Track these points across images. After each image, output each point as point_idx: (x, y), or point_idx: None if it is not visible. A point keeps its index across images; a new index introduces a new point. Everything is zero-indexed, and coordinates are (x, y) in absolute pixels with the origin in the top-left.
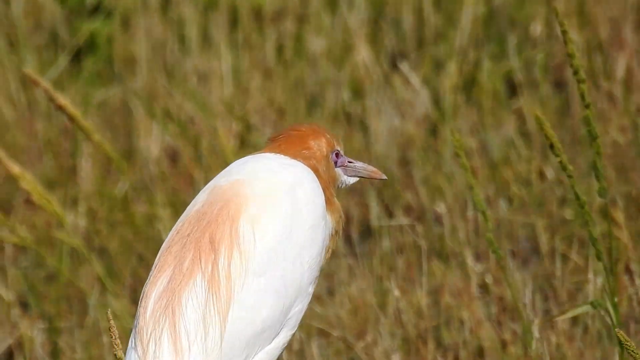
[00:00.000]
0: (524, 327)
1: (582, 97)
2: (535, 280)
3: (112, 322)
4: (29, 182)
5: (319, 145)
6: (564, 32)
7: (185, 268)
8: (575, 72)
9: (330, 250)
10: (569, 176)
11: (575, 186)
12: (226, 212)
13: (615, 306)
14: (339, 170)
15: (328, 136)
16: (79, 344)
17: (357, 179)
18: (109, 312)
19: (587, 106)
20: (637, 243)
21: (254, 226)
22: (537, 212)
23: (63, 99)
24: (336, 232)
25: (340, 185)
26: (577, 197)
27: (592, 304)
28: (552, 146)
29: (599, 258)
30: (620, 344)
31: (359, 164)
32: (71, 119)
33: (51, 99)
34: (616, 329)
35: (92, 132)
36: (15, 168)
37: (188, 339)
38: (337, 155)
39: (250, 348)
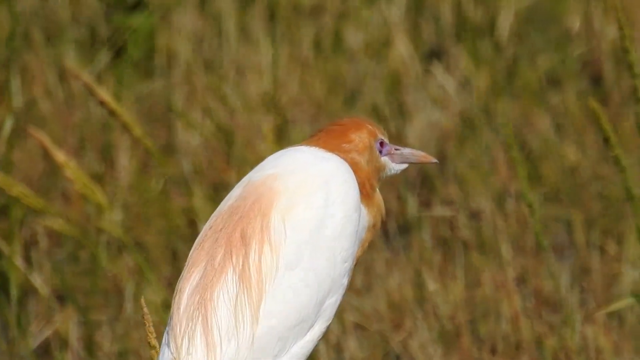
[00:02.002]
0: (562, 319)
1: (636, 92)
2: (572, 272)
3: (145, 309)
4: (73, 170)
5: (361, 137)
6: (621, 28)
7: (217, 263)
8: (630, 67)
9: (366, 243)
10: (622, 170)
11: (628, 180)
12: (258, 206)
13: None
14: (386, 159)
15: (370, 127)
16: (115, 337)
17: (406, 165)
18: (142, 300)
19: (639, 101)
20: None
21: (285, 220)
22: (573, 206)
23: (104, 93)
24: (373, 225)
25: (388, 173)
26: (628, 190)
27: (636, 297)
28: (606, 139)
29: None
30: None
31: (406, 150)
32: (112, 113)
33: (92, 93)
34: None
35: (133, 126)
36: (60, 156)
37: (220, 334)
38: (381, 144)
39: (283, 341)
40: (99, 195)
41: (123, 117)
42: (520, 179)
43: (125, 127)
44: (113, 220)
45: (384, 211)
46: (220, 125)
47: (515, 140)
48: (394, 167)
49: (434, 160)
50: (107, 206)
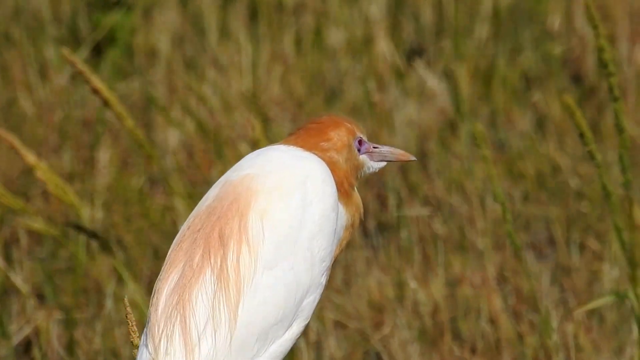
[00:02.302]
0: (541, 318)
1: (611, 90)
2: (552, 271)
3: (129, 309)
4: (44, 171)
5: (339, 135)
6: (595, 26)
7: (196, 264)
8: (605, 66)
9: (344, 242)
10: (597, 166)
11: (603, 176)
12: (236, 207)
13: (638, 297)
14: (364, 157)
15: (348, 125)
16: (95, 336)
17: (385, 163)
18: (126, 299)
19: (615, 99)
20: None
21: (263, 220)
22: (553, 204)
23: (99, 83)
24: (352, 224)
25: (367, 171)
26: (605, 187)
27: (616, 294)
28: (581, 135)
29: (624, 248)
30: None
31: (385, 148)
32: (105, 102)
33: (87, 81)
34: None
35: (126, 117)
36: (30, 158)
37: (198, 335)
38: (360, 142)
39: (262, 341)
40: (71, 196)
41: (116, 106)
42: (491, 180)
43: (118, 118)
44: (92, 219)
45: (362, 210)
46: (200, 124)
47: (493, 139)
48: (373, 165)
49: (413, 158)
50: (80, 206)
